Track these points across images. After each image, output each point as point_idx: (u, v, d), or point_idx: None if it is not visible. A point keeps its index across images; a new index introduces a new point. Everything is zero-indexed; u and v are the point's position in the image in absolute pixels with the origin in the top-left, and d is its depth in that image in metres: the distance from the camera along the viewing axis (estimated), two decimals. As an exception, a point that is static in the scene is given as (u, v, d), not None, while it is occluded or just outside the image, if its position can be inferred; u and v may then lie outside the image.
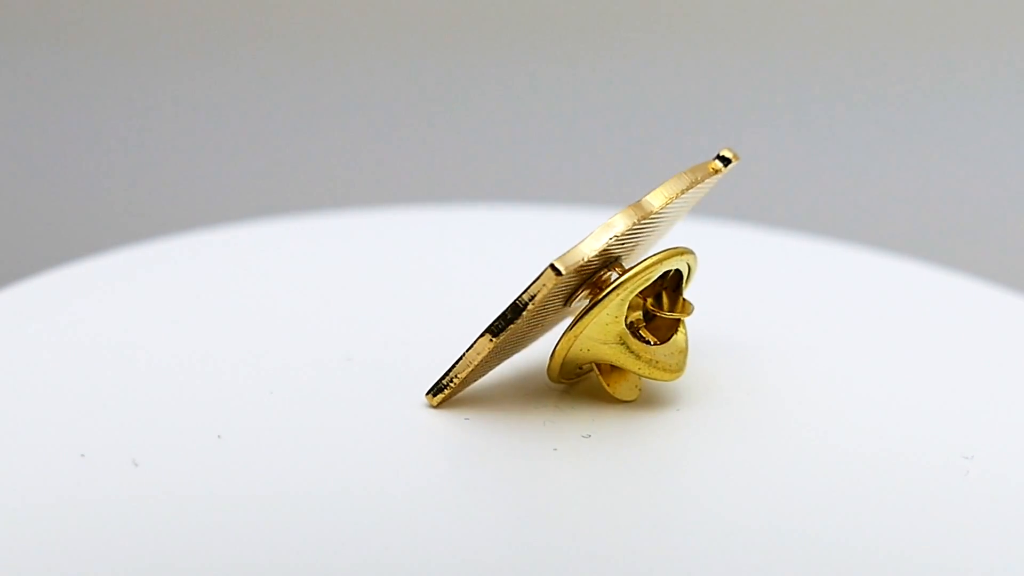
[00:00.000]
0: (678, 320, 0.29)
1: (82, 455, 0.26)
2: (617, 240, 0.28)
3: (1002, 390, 0.31)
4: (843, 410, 0.30)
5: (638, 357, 0.29)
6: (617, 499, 0.26)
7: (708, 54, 0.59)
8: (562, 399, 0.29)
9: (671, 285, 0.29)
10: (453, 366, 0.28)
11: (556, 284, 0.27)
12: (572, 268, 0.27)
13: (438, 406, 0.29)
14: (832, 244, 0.37)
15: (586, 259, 0.27)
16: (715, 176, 0.29)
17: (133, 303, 0.31)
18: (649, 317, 0.29)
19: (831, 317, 0.33)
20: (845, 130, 0.60)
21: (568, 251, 0.27)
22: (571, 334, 0.28)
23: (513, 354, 0.30)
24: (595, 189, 0.56)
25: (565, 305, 0.29)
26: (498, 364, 0.29)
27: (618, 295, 0.28)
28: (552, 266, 0.27)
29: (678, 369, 0.29)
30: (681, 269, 0.29)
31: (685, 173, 0.29)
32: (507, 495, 0.26)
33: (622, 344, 0.28)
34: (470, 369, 0.28)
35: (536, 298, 0.27)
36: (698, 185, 0.29)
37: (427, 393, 0.29)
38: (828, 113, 0.60)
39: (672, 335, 0.29)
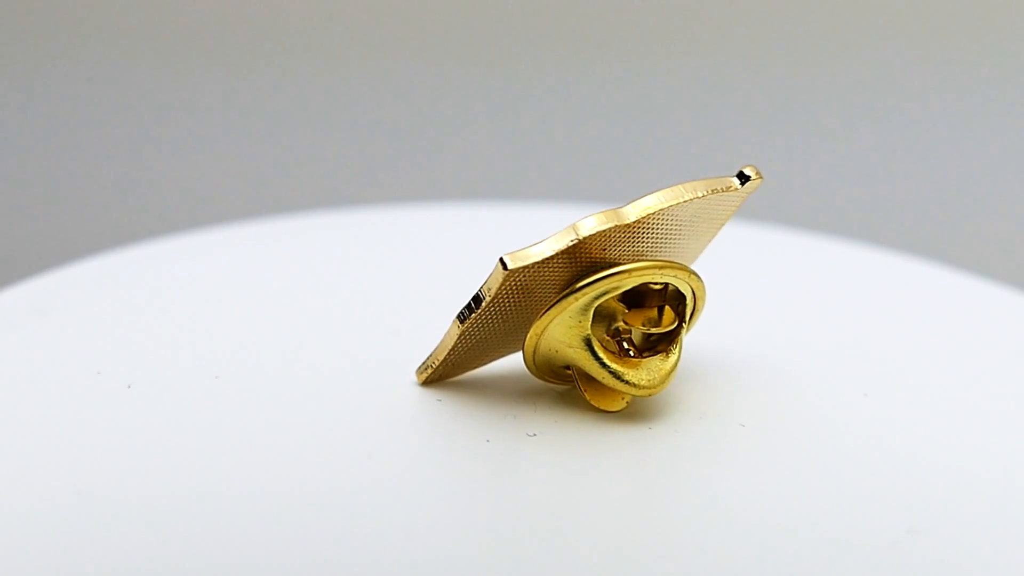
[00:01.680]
0: (673, 335, 0.28)
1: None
2: (588, 242, 0.27)
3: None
4: (838, 453, 0.28)
5: (603, 366, 0.28)
6: (512, 498, 0.26)
7: (722, 53, 0.55)
8: (555, 400, 0.29)
9: (676, 304, 0.28)
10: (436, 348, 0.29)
11: (510, 278, 0.27)
12: (522, 266, 0.27)
13: (423, 384, 0.30)
14: (841, 244, 0.34)
15: (542, 258, 0.27)
16: (733, 192, 0.28)
17: (134, 302, 0.32)
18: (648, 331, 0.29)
19: (845, 328, 0.31)
20: (854, 129, 0.56)
21: (524, 248, 0.27)
22: (532, 331, 0.28)
23: (519, 347, 0.30)
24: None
25: (561, 301, 0.29)
26: (503, 355, 0.30)
27: (577, 299, 0.28)
28: (501, 260, 0.27)
29: (650, 386, 0.28)
30: (680, 288, 0.28)
31: (684, 186, 0.28)
32: (410, 470, 0.27)
33: (587, 350, 0.28)
34: (447, 351, 0.29)
35: (493, 290, 0.28)
36: (706, 198, 0.28)
37: (416, 371, 0.30)
38: (837, 111, 0.56)
39: (665, 350, 0.28)
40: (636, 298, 0.29)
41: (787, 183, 0.57)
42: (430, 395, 0.29)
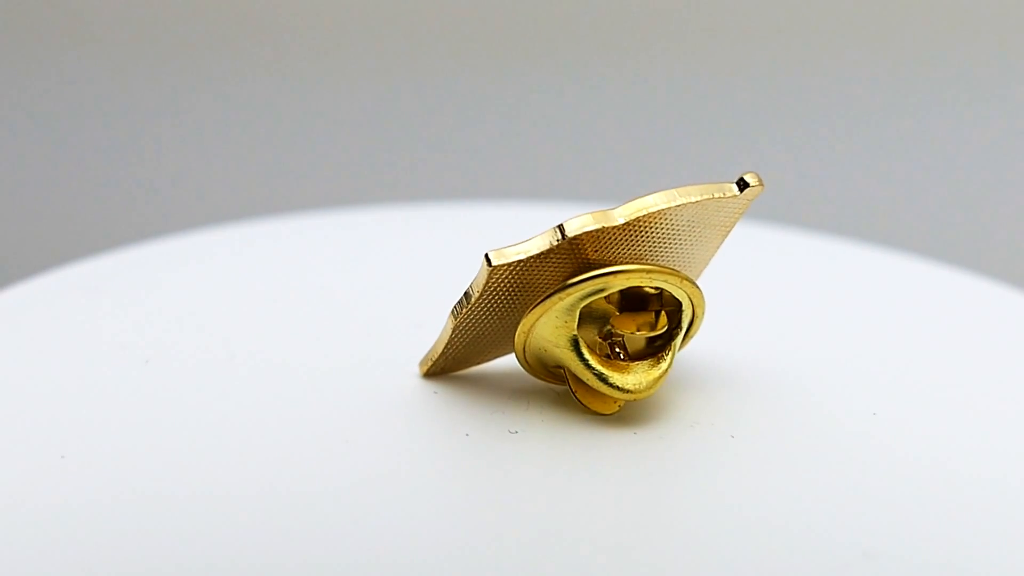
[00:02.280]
0: (664, 341, 0.28)
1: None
2: (581, 242, 0.27)
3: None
4: (828, 469, 0.27)
5: (588, 367, 0.28)
6: (473, 493, 0.26)
7: (725, 51, 0.53)
8: (551, 400, 0.29)
9: (674, 310, 0.28)
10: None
11: (494, 275, 0.27)
12: (505, 263, 0.27)
13: (424, 376, 0.30)
14: (842, 244, 0.33)
15: (525, 256, 0.27)
16: (732, 199, 0.27)
17: (135, 302, 0.33)
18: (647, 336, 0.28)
19: (848, 332, 0.30)
20: (857, 129, 0.54)
21: (510, 246, 0.27)
22: (520, 329, 0.28)
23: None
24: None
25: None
26: (509, 351, 0.30)
27: (562, 299, 0.27)
28: (486, 256, 0.27)
29: (636, 390, 0.28)
30: (674, 294, 0.28)
31: (679, 189, 0.27)
32: (380, 456, 0.27)
33: (574, 351, 0.28)
34: (444, 345, 0.29)
35: (480, 286, 0.28)
36: (701, 203, 0.27)
37: (419, 363, 0.30)
38: (838, 110, 0.55)
39: (657, 355, 0.28)
40: (635, 302, 0.28)
41: (787, 183, 0.55)
42: (428, 387, 0.29)
